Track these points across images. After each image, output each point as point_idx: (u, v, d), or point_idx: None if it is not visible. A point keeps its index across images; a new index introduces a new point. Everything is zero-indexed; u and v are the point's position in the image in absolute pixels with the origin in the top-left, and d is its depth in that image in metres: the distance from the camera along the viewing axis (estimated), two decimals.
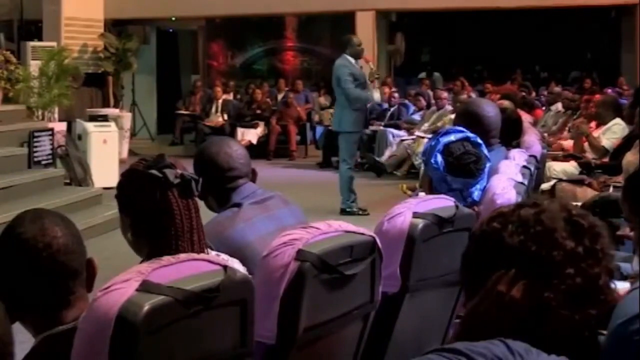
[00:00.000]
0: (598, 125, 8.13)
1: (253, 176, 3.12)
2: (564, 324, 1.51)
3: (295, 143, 15.22)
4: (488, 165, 3.67)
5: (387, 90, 14.73)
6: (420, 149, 8.73)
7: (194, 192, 2.31)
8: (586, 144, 8.01)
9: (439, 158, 3.50)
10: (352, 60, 9.43)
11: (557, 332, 1.51)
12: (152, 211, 2.27)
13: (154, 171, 2.27)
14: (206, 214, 2.88)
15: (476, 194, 3.61)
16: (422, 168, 3.80)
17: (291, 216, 3.05)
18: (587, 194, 6.25)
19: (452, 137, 3.55)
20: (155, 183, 2.26)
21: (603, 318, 1.55)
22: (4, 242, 2.03)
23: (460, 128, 3.73)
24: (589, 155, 7.71)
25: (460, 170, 3.53)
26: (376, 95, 9.68)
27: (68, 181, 9.70)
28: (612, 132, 7.64)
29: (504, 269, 1.54)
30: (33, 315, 2.01)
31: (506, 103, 5.40)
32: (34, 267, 1.98)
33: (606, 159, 7.37)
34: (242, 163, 3.06)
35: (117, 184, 2.41)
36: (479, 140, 3.63)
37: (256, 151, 14.01)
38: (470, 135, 3.62)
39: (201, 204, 2.51)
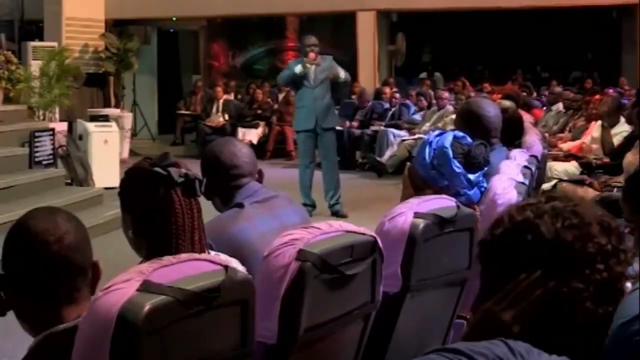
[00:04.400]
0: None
1: (259, 177, 3.12)
2: (587, 318, 1.52)
3: (294, 143, 15.21)
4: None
5: (388, 90, 14.74)
6: None
7: (197, 192, 2.32)
8: (588, 138, 8.02)
9: (457, 162, 3.49)
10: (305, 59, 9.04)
11: (580, 325, 1.52)
12: (154, 209, 2.27)
13: (158, 169, 2.27)
14: (208, 214, 2.88)
15: (485, 184, 3.64)
16: (406, 173, 3.74)
17: (295, 215, 3.05)
18: (588, 194, 6.25)
19: (447, 141, 3.54)
20: (159, 181, 2.27)
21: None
22: (16, 233, 2.05)
23: (441, 130, 3.78)
24: (590, 155, 7.71)
25: (477, 164, 3.54)
26: (297, 68, 8.89)
27: (69, 181, 9.70)
28: (621, 136, 7.63)
29: (536, 257, 1.53)
30: (37, 307, 2.01)
31: (508, 103, 5.40)
32: (43, 259, 1.99)
33: (607, 159, 7.37)
34: (246, 162, 3.05)
35: (121, 181, 2.42)
36: (461, 133, 3.64)
37: (257, 151, 13.99)
38: (454, 132, 3.63)
39: (204, 204, 2.51)
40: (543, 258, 1.54)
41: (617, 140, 7.58)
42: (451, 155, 3.48)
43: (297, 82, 9.03)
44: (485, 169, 3.63)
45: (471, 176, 3.53)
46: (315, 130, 9.02)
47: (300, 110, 9.17)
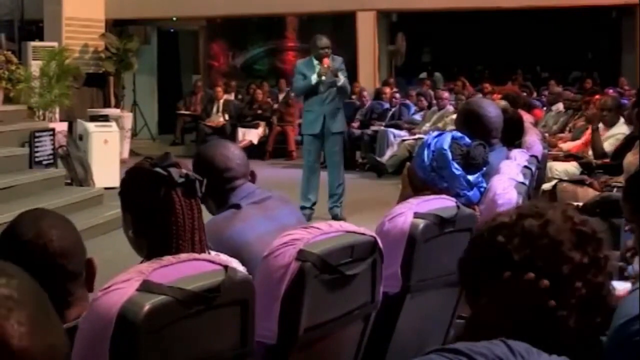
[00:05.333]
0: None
1: (252, 178, 3.12)
2: (569, 333, 1.51)
3: (295, 143, 15.20)
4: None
5: (388, 90, 14.74)
6: None
7: (197, 193, 2.32)
8: (585, 138, 8.01)
9: (456, 165, 3.49)
10: (315, 62, 8.78)
11: (562, 339, 1.51)
12: (154, 209, 2.27)
13: (159, 169, 2.27)
14: (208, 215, 2.88)
15: (484, 184, 3.63)
16: (405, 172, 3.72)
17: (291, 215, 3.05)
18: (589, 194, 6.24)
19: (446, 143, 3.53)
20: (159, 181, 2.26)
21: (607, 323, 1.54)
22: (2, 242, 2.04)
23: (440, 131, 3.77)
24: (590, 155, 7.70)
25: (476, 165, 3.54)
26: (313, 78, 8.62)
27: (69, 181, 9.69)
28: (616, 139, 7.62)
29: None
30: None
31: (507, 103, 5.41)
32: (30, 269, 1.98)
33: (606, 159, 7.36)
34: (239, 164, 3.06)
35: (121, 180, 2.42)
36: (459, 134, 3.64)
37: (257, 151, 14.00)
38: (452, 133, 3.62)
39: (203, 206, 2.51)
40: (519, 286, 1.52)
41: (615, 141, 7.56)
42: (450, 157, 3.48)
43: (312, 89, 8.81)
44: (484, 169, 3.62)
45: (470, 177, 3.52)
46: (322, 134, 8.82)
47: (308, 114, 8.93)
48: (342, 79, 8.79)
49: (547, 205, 1.63)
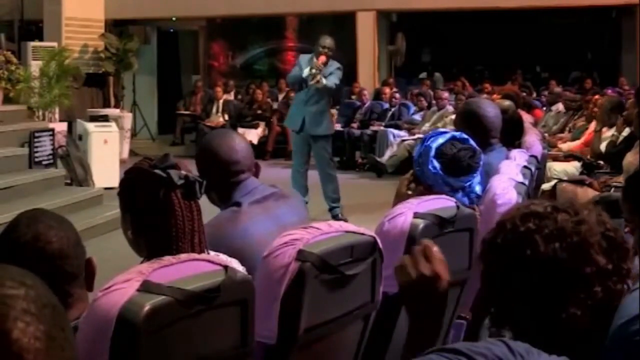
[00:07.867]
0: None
1: (256, 170, 3.08)
2: (577, 333, 1.52)
3: None
4: (482, 159, 3.62)
5: (387, 90, 14.74)
6: None
7: (197, 194, 2.31)
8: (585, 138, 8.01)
9: (435, 163, 3.42)
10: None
11: (566, 339, 1.52)
12: (154, 211, 2.26)
13: (158, 171, 2.26)
14: (207, 215, 2.87)
15: (477, 188, 3.56)
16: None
17: (291, 213, 3.03)
18: (588, 194, 6.25)
19: (441, 140, 3.49)
20: (159, 183, 2.25)
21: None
22: (0, 244, 2.04)
23: (445, 130, 3.73)
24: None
25: (459, 168, 3.48)
26: (305, 71, 8.65)
27: (69, 181, 9.70)
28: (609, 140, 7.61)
29: (531, 271, 1.53)
30: None
31: (507, 103, 5.40)
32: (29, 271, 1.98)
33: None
34: (245, 156, 3.02)
35: (120, 181, 2.40)
36: (465, 135, 3.59)
37: (257, 151, 14.01)
38: (456, 134, 3.58)
39: (204, 205, 2.50)
40: (539, 276, 1.53)
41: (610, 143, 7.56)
42: (432, 154, 3.41)
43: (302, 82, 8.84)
44: (476, 175, 3.54)
45: (452, 180, 3.44)
46: (306, 134, 8.78)
47: (291, 108, 9.16)
48: (323, 81, 8.68)
49: (582, 205, 1.64)
